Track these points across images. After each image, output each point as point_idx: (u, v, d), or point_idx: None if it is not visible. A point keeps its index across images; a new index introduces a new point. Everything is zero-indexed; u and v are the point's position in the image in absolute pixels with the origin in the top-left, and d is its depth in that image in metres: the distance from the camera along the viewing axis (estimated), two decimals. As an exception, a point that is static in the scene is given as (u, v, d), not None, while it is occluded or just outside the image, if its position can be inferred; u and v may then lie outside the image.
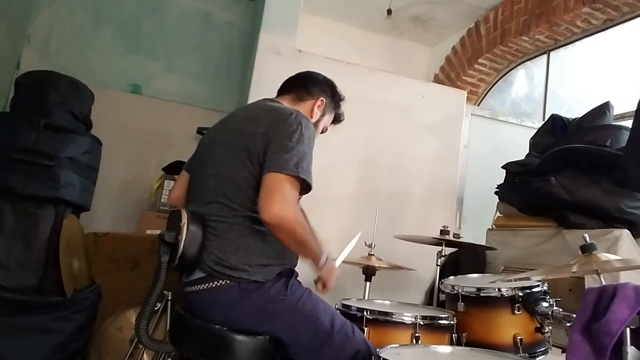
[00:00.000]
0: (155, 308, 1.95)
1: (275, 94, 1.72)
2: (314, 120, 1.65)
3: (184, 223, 1.34)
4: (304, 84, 1.69)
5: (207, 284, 1.36)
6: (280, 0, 2.84)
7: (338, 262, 1.65)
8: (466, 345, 1.66)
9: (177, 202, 1.64)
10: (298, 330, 1.35)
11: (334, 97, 1.74)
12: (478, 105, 4.31)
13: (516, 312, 1.65)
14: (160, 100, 3.50)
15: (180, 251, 1.33)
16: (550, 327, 1.66)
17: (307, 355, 1.36)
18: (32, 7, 3.26)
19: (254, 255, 1.36)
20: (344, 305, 1.71)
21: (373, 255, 2.15)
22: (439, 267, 2.21)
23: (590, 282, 1.93)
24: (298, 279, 1.46)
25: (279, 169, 1.32)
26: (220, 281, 1.34)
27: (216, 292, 1.35)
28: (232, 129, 1.50)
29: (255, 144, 1.39)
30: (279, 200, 1.28)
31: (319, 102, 1.68)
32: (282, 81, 1.75)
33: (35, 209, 2.17)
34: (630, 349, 1.06)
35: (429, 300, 2.76)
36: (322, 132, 1.77)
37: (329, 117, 1.75)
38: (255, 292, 1.34)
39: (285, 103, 1.61)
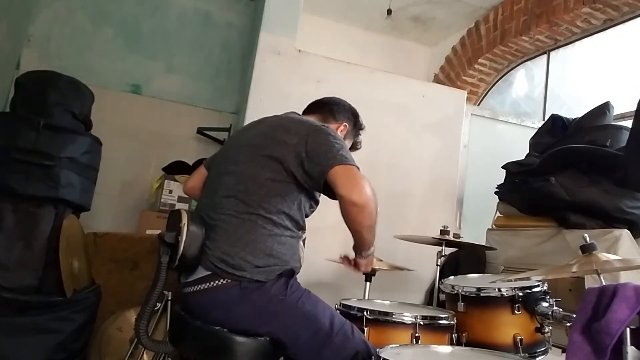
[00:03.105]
0: (155, 308, 1.95)
1: (302, 110, 1.78)
2: None
3: (184, 224, 1.35)
4: (330, 109, 1.77)
5: (207, 284, 1.36)
6: (280, 0, 2.83)
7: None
8: (466, 345, 1.66)
9: (192, 192, 1.71)
10: (297, 331, 1.35)
11: (356, 124, 1.84)
12: (478, 105, 4.31)
13: (516, 312, 1.65)
14: (160, 100, 3.50)
15: (180, 252, 1.33)
16: (550, 327, 1.66)
17: (306, 355, 1.36)
18: (32, 7, 3.26)
19: (262, 252, 1.37)
20: (344, 305, 1.71)
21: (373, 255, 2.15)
22: (439, 267, 2.20)
23: (590, 282, 1.93)
24: (297, 280, 1.47)
25: (341, 161, 1.38)
26: (222, 280, 1.35)
27: (217, 292, 1.35)
28: (260, 133, 1.53)
29: (285, 152, 1.42)
30: (360, 182, 1.35)
31: (342, 127, 1.76)
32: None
33: (35, 209, 2.17)
34: (630, 349, 1.06)
35: (429, 300, 2.76)
36: None
37: (348, 143, 1.81)
38: (255, 291, 1.34)
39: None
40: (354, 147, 1.87)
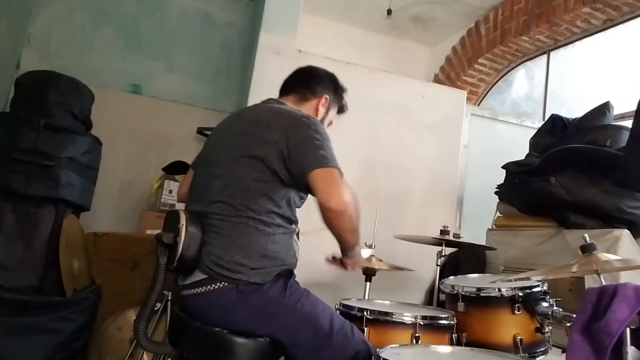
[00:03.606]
0: (155, 308, 1.95)
1: (278, 94, 1.71)
2: (319, 118, 1.66)
3: (183, 224, 1.34)
4: (306, 84, 1.69)
5: (205, 287, 1.35)
6: (280, 0, 2.83)
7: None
8: (466, 345, 1.66)
9: (186, 198, 1.66)
10: (297, 332, 1.35)
11: (337, 91, 1.74)
12: (478, 105, 4.31)
13: (516, 312, 1.65)
14: (160, 100, 3.50)
15: (179, 253, 1.33)
16: (550, 327, 1.66)
17: (306, 356, 1.36)
18: (32, 7, 3.26)
19: (257, 254, 1.36)
20: (344, 305, 1.71)
21: (373, 255, 2.15)
22: (439, 267, 2.20)
23: (590, 282, 1.93)
24: (296, 279, 1.46)
25: (321, 163, 1.35)
26: (219, 284, 1.34)
27: (214, 295, 1.34)
28: (240, 131, 1.49)
29: (267, 150, 1.39)
30: (338, 188, 1.33)
31: (323, 100, 1.68)
32: (282, 81, 1.75)
33: (35, 209, 2.17)
34: (630, 349, 1.06)
35: (429, 300, 2.76)
36: (327, 126, 1.76)
37: (333, 112, 1.76)
38: (253, 294, 1.34)
39: (290, 104, 1.61)
40: (341, 110, 1.79)
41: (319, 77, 1.72)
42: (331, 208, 1.32)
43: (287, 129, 1.41)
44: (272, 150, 1.39)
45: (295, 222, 1.51)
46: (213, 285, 1.34)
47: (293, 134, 1.40)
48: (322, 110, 1.69)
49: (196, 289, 1.36)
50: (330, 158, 1.38)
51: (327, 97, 1.69)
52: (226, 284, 1.34)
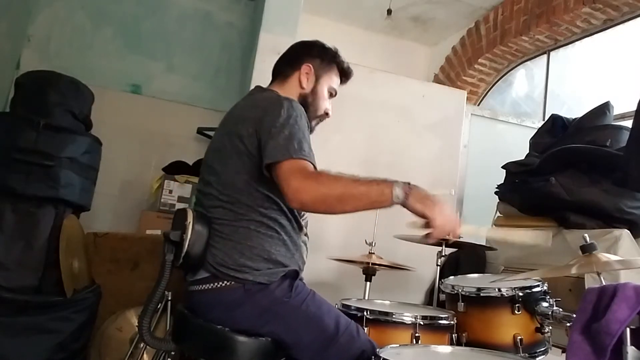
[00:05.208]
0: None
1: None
2: (308, 89, 1.56)
3: (189, 222, 1.35)
4: (287, 61, 1.60)
5: (211, 284, 1.36)
6: (280, 0, 2.84)
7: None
8: (466, 345, 1.66)
9: None
10: (301, 332, 1.35)
11: (323, 54, 1.60)
12: (478, 105, 4.31)
13: (516, 312, 1.64)
14: (160, 100, 3.50)
15: (184, 250, 1.34)
16: (550, 327, 1.65)
17: (311, 356, 1.35)
18: (32, 7, 3.26)
19: (260, 257, 1.36)
20: (344, 305, 1.70)
21: (373, 254, 2.15)
22: (439, 267, 2.20)
23: (590, 282, 1.93)
24: (302, 280, 1.46)
25: (274, 158, 1.28)
26: (225, 282, 1.34)
27: (220, 293, 1.35)
28: (226, 132, 1.47)
29: (249, 145, 1.37)
30: (287, 187, 1.25)
31: (305, 70, 1.56)
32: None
33: (35, 209, 2.17)
34: (630, 349, 1.06)
35: (429, 300, 2.76)
36: (332, 96, 1.64)
37: (328, 77, 1.60)
38: (259, 293, 1.34)
39: (275, 88, 1.57)
40: (345, 74, 1.64)
41: (295, 50, 1.62)
42: (295, 208, 1.29)
43: (258, 119, 1.37)
44: (253, 143, 1.36)
45: (302, 216, 1.49)
46: (220, 283, 1.35)
47: (260, 123, 1.35)
48: (306, 80, 1.55)
49: (203, 285, 1.37)
50: (290, 149, 1.27)
51: (310, 65, 1.56)
52: (233, 282, 1.34)
